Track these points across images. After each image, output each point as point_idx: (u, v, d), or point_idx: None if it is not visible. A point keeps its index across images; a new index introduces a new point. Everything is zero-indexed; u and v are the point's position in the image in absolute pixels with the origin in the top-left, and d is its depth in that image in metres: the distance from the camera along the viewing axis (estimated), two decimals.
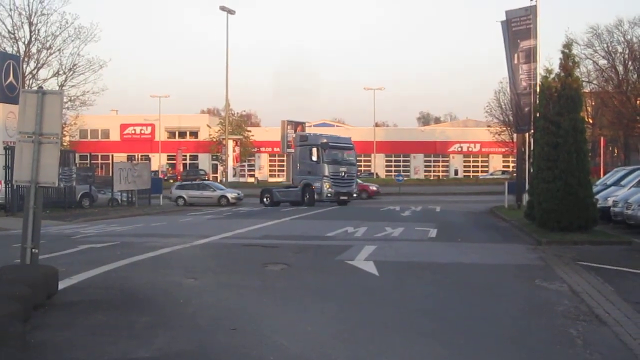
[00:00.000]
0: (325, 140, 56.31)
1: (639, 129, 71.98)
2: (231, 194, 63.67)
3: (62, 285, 13.93)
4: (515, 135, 58.62)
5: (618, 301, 13.36)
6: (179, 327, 11.12)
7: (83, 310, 12.21)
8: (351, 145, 58.92)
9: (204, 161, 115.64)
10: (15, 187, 37.03)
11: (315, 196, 55.17)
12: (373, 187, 74.89)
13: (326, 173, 55.13)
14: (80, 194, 47.96)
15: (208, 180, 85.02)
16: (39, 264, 13.76)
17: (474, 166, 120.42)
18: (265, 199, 58.43)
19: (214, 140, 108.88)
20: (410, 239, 25.68)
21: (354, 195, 58.39)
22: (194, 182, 73.28)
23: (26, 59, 61.68)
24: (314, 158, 55.61)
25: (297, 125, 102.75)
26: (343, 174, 56.07)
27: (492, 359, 9.80)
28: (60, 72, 65.20)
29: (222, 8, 75.98)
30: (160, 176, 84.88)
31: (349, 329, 11.26)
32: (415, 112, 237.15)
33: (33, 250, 13.49)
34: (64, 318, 11.65)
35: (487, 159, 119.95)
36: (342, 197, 55.72)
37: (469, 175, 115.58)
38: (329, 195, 55.00)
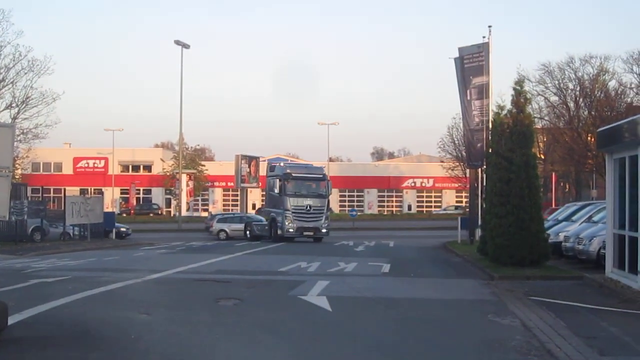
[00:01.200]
0: (288, 171, 52.84)
1: (590, 165, 72.61)
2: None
3: (11, 320, 13.73)
4: (468, 171, 59.04)
5: (569, 336, 13.44)
6: None
7: (33, 346, 12.06)
8: (321, 176, 54.12)
9: (158, 195, 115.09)
10: None
11: (279, 231, 51.83)
12: None
13: (287, 206, 51.22)
14: (31, 227, 47.43)
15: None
16: None
17: (427, 201, 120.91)
18: (247, 232, 57.82)
19: (168, 174, 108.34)
20: (364, 274, 25.69)
21: (323, 230, 52.42)
22: (235, 214, 74.45)
23: None
24: (276, 190, 52.21)
25: (252, 159, 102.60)
26: (308, 208, 51.60)
27: None
28: (13, 105, 64.56)
29: (177, 42, 75.96)
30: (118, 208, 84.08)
31: None
32: (369, 148, 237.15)
33: None
34: (13, 354, 11.51)
35: (440, 194, 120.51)
36: (305, 233, 51.61)
37: (423, 211, 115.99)
38: (289, 230, 51.08)
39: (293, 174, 52.53)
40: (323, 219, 52.49)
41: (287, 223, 51.02)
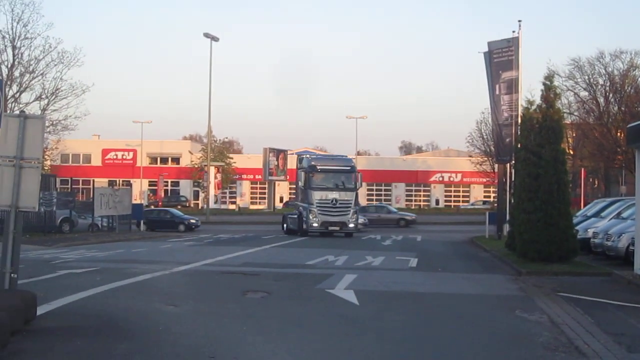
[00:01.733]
0: (313, 163, 50.71)
1: (619, 161, 72.26)
2: (408, 217, 72.44)
3: (40, 311, 13.83)
4: (496, 166, 58.87)
5: (597, 332, 13.38)
6: (158, 355, 11.06)
7: (61, 337, 12.12)
8: (348, 168, 51.15)
9: (186, 187, 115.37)
10: None
11: (304, 226, 49.75)
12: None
13: (312, 200, 48.72)
14: (60, 218, 47.75)
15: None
16: (18, 289, 13.66)
17: (455, 196, 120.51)
18: (284, 226, 56.65)
19: (196, 166, 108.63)
20: (391, 268, 25.68)
21: (351, 225, 49.55)
22: (370, 205, 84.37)
23: (9, 83, 61.42)
24: (301, 183, 50.60)
25: (280, 152, 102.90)
26: (334, 202, 48.62)
27: None
28: (43, 96, 64.98)
29: (206, 35, 76.23)
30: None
31: (329, 359, 11.22)
32: (397, 141, 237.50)
33: (12, 275, 13.40)
34: (42, 344, 11.56)
35: (468, 189, 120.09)
36: (331, 228, 49.12)
37: (450, 205, 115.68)
38: (313, 225, 48.81)
39: (318, 167, 50.40)
40: (350, 213, 49.32)
41: (311, 217, 48.77)
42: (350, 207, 49.41)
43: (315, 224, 48.88)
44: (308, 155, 54.88)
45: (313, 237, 47.10)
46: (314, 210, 48.75)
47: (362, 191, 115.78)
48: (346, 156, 54.70)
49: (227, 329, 13.33)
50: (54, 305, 15.15)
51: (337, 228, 49.39)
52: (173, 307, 15.59)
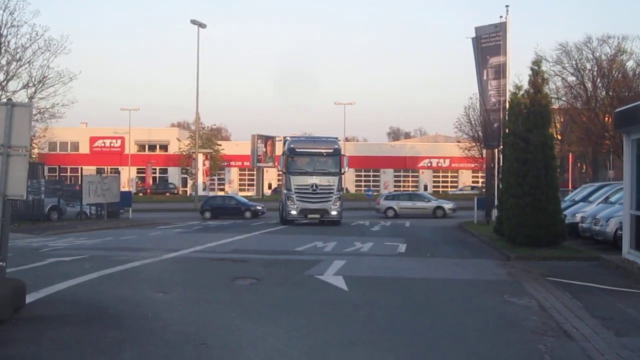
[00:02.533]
0: (292, 146, 46.95)
1: (607, 146, 72.33)
2: (447, 205, 66.21)
3: (29, 299, 13.82)
4: (484, 151, 58.88)
5: (586, 317, 13.43)
6: (148, 343, 11.06)
7: (50, 325, 12.11)
8: (331, 151, 47.05)
9: (174, 175, 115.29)
10: None
11: (283, 213, 47.56)
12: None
13: (291, 186, 45.71)
14: (48, 207, 47.61)
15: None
16: (6, 277, 13.63)
17: (443, 181, 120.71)
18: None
19: (184, 153, 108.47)
20: (380, 254, 25.73)
21: (334, 213, 45.95)
22: (404, 192, 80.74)
23: None
24: (281, 167, 47.50)
25: (268, 139, 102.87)
26: (313, 187, 45.35)
27: None
28: (30, 84, 64.51)
29: (193, 22, 76.00)
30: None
31: (318, 344, 11.25)
32: (385, 127, 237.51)
33: (0, 263, 13.37)
34: (31, 332, 11.56)
35: (456, 174, 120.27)
36: (310, 216, 45.89)
37: (439, 191, 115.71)
38: (291, 213, 45.78)
39: (297, 149, 46.68)
40: (332, 200, 45.91)
41: (289, 204, 45.73)
42: (332, 193, 45.96)
43: (293, 212, 45.84)
44: (289, 137, 49.45)
45: (301, 224, 46.33)
46: (292, 197, 45.75)
47: (351, 177, 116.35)
48: (334, 138, 49.51)
49: (216, 315, 13.35)
50: (43, 293, 15.15)
51: (318, 216, 45.92)
52: (162, 294, 15.59)
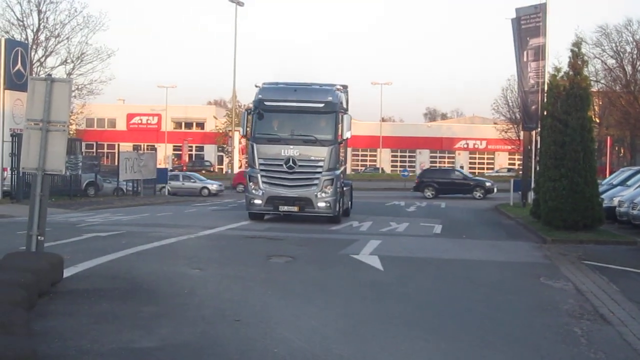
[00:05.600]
0: (261, 96, 29.53)
1: None
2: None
3: (67, 273, 13.95)
4: (522, 133, 58.52)
5: (622, 301, 13.37)
6: (183, 318, 11.13)
7: (87, 299, 12.22)
8: (322, 105, 29.17)
9: (210, 152, 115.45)
10: (21, 174, 36.98)
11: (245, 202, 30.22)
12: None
13: (254, 161, 29.04)
14: (85, 182, 47.91)
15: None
16: (44, 251, 13.75)
17: (479, 163, 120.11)
18: None
19: (220, 131, 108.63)
20: (415, 235, 25.72)
21: (321, 204, 28.58)
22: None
23: (34, 47, 61.61)
24: (242, 131, 30.60)
25: None
26: (289, 163, 28.39)
27: (496, 356, 9.78)
28: (68, 61, 65.13)
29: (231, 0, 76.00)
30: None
31: (353, 323, 11.26)
32: (422, 108, 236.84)
33: (39, 237, 13.50)
34: (69, 306, 11.66)
35: (493, 156, 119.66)
36: (283, 209, 28.96)
37: (475, 172, 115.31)
38: (253, 202, 29.01)
39: (267, 101, 29.39)
40: (320, 183, 28.62)
41: (252, 189, 29.06)
42: (318, 172, 28.73)
43: (257, 200, 28.91)
44: (261, 85, 30.40)
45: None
46: (256, 178, 28.94)
47: (387, 157, 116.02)
48: (330, 85, 30.60)
49: (251, 292, 13.39)
50: (80, 267, 15.28)
51: (295, 209, 29.03)
52: (198, 271, 15.68)
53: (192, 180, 64.49)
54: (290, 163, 28.40)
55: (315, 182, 28.64)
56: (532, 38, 40.66)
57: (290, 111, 29.36)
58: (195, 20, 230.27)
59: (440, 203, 50.47)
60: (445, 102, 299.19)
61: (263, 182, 28.72)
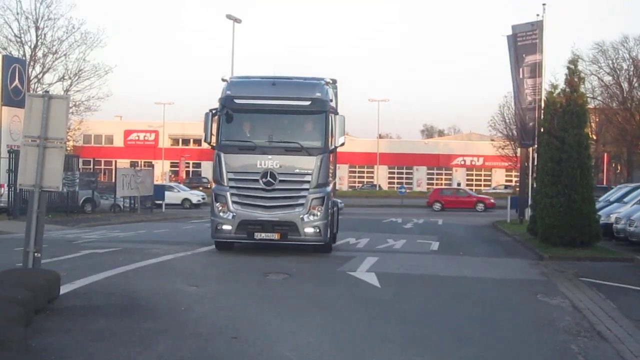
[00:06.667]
0: (230, 93, 23.26)
1: None
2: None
3: (63, 290, 13.93)
4: (518, 150, 58.63)
5: (620, 318, 13.37)
6: (180, 335, 11.12)
7: (84, 316, 12.20)
8: (308, 102, 23.00)
9: (207, 169, 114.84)
10: (18, 190, 36.96)
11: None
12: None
13: (222, 175, 22.81)
14: (82, 199, 47.85)
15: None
16: (41, 268, 13.74)
17: (476, 180, 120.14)
18: None
19: None
20: (412, 252, 25.69)
21: (309, 230, 22.35)
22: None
23: (32, 63, 61.66)
24: (206, 137, 23.61)
25: None
26: (268, 177, 22.29)
27: None
28: (66, 77, 65.25)
29: (229, 17, 75.90)
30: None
31: (350, 341, 11.25)
32: (419, 125, 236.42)
33: (35, 254, 13.49)
34: (65, 323, 11.65)
35: (490, 172, 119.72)
36: (259, 236, 22.32)
37: (472, 189, 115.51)
38: (220, 228, 22.60)
39: (238, 99, 23.12)
40: (308, 204, 22.42)
41: (219, 212, 22.61)
42: (305, 189, 22.57)
43: (226, 227, 22.55)
44: (229, 79, 24.45)
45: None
46: (224, 197, 22.60)
47: (384, 173, 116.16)
48: (317, 79, 24.14)
49: (248, 309, 13.38)
50: (77, 284, 15.25)
51: (275, 236, 22.37)
52: (195, 288, 15.66)
53: (175, 191, 66.59)
54: (269, 178, 22.27)
55: (301, 201, 22.50)
56: (528, 55, 40.77)
57: (268, 111, 23.15)
58: (192, 37, 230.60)
59: (437, 220, 50.46)
60: (442, 119, 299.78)
61: (233, 202, 22.45)
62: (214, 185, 23.81)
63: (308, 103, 22.89)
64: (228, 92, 23.24)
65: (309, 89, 23.44)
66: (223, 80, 23.93)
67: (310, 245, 23.06)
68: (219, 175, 23.01)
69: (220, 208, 22.60)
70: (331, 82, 24.74)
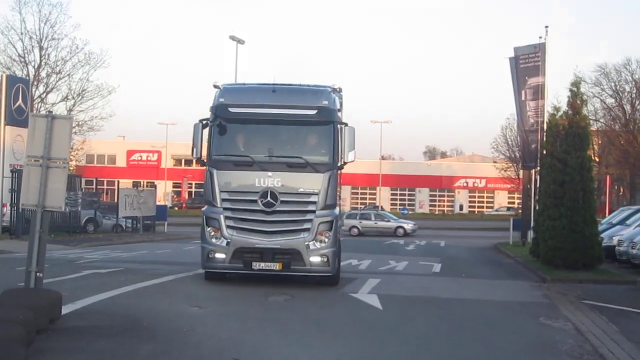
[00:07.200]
0: (223, 100, 20.08)
1: None
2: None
3: (65, 310, 13.90)
4: (521, 172, 58.64)
5: (622, 341, 13.33)
6: (182, 356, 11.11)
7: (86, 336, 12.18)
8: (314, 111, 19.82)
9: None
10: (20, 210, 36.96)
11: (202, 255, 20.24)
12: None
13: (215, 195, 19.72)
14: (85, 218, 47.94)
15: None
16: (43, 288, 13.72)
17: (479, 202, 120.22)
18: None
19: None
20: (415, 273, 25.66)
21: (315, 259, 19.33)
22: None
23: (35, 83, 61.78)
24: (196, 152, 20.41)
25: None
26: (268, 198, 19.14)
27: None
28: (69, 97, 65.39)
29: (232, 38, 76.23)
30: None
31: None
32: (421, 146, 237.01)
33: (37, 274, 13.46)
34: (67, 343, 11.63)
35: (492, 194, 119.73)
36: (258, 266, 19.39)
37: (474, 211, 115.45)
38: (212, 256, 19.52)
39: (232, 107, 20.07)
40: (314, 229, 19.43)
41: (211, 238, 19.57)
42: (311, 211, 19.56)
43: (219, 255, 19.52)
44: (221, 85, 20.75)
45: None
46: (217, 221, 19.59)
47: (387, 195, 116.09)
48: (324, 87, 20.82)
49: (250, 331, 13.35)
50: (79, 304, 15.22)
51: (276, 266, 19.49)
52: (197, 309, 15.64)
53: (385, 220, 65.79)
54: (269, 198, 19.20)
55: (306, 226, 19.44)
56: (531, 77, 40.83)
57: (268, 121, 20.09)
58: (195, 58, 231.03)
59: (439, 242, 50.41)
60: (444, 141, 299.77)
61: (228, 226, 19.43)
62: (204, 207, 20.33)
63: (314, 112, 19.86)
64: (221, 100, 20.14)
65: (314, 96, 20.35)
66: (215, 86, 20.68)
67: (316, 276, 20.20)
68: (210, 195, 19.90)
69: (212, 233, 19.58)
70: (338, 89, 21.27)
